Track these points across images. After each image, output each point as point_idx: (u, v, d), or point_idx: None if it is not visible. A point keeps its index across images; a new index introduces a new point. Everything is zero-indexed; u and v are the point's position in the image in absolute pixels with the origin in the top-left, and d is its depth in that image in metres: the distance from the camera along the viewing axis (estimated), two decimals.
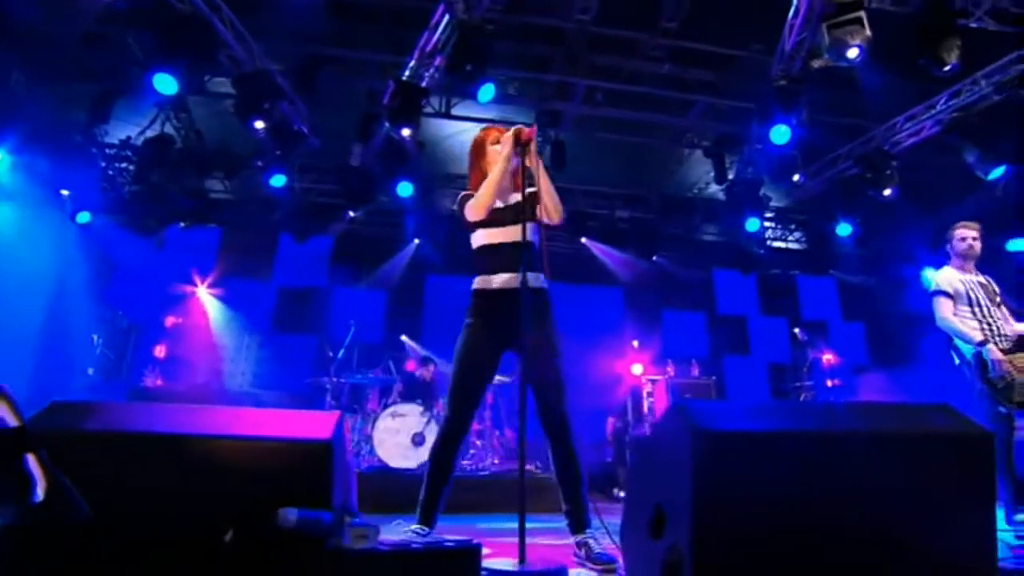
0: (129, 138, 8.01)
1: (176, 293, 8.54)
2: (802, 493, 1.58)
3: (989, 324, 3.72)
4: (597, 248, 9.07)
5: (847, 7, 4.64)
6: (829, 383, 7.88)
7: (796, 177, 6.71)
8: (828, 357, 8.14)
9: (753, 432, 1.61)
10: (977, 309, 3.76)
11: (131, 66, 6.76)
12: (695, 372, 7.09)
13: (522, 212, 2.57)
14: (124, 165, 8.12)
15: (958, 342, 3.74)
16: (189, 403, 4.41)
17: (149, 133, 7.72)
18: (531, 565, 2.05)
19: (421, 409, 5.87)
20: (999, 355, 3.53)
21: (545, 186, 2.53)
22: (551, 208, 2.57)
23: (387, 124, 6.09)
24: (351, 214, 7.65)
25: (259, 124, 5.71)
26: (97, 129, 7.60)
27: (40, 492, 1.03)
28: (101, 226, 7.97)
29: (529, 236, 2.61)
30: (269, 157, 6.65)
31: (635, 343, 8.22)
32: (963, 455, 1.72)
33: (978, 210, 7.17)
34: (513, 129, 2.56)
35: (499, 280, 2.61)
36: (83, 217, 7.71)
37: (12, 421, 1.07)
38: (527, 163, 2.53)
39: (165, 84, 5.67)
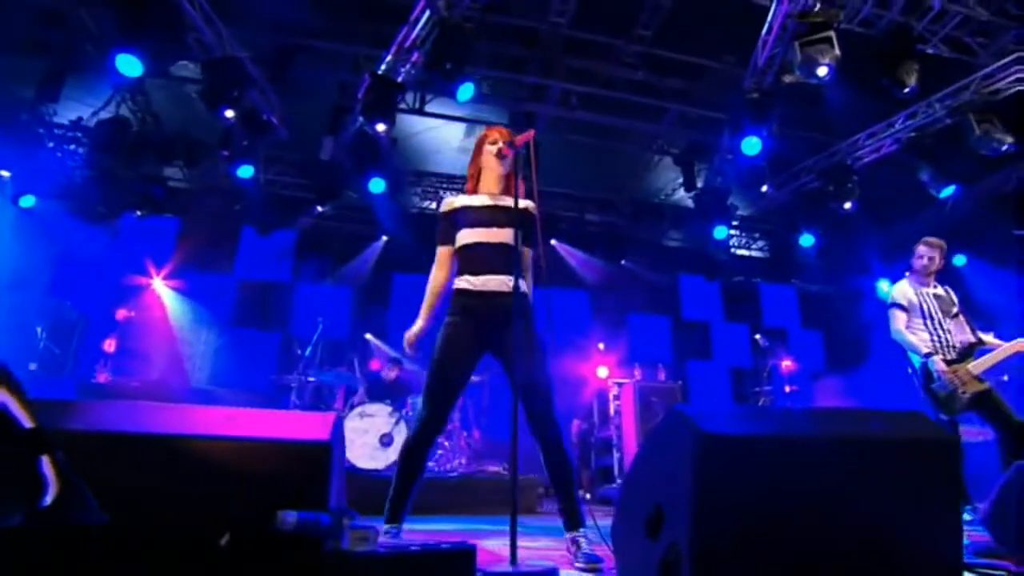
0: (80, 119, 7.65)
1: (129, 285, 8.21)
2: (795, 495, 1.66)
3: (940, 336, 3.94)
4: (565, 251, 9.18)
5: (818, 27, 4.85)
6: (787, 388, 8.17)
7: (764, 188, 6.96)
8: (787, 363, 8.46)
9: (751, 436, 1.68)
10: (929, 321, 3.98)
11: (85, 43, 6.48)
12: (662, 376, 7.25)
13: (515, 216, 2.61)
14: (74, 147, 7.76)
15: (909, 353, 3.97)
16: (145, 400, 4.27)
17: (103, 115, 7.40)
18: (523, 565, 2.08)
19: (390, 410, 5.82)
20: (943, 367, 3.75)
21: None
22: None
23: (361, 118, 6.01)
24: (319, 209, 7.52)
25: (229, 113, 5.56)
26: (45, 108, 7.24)
27: (50, 496, 1.00)
28: (48, 211, 7.59)
29: (507, 239, 2.67)
30: (236, 147, 6.48)
31: (600, 346, 8.36)
32: (936, 459, 1.84)
33: (929, 226, 7.62)
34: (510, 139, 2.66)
35: (484, 282, 2.61)
36: (27, 201, 7.33)
37: (27, 422, 1.04)
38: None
39: (129, 66, 5.45)
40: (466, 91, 5.52)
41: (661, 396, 6.65)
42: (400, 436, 5.83)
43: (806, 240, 7.70)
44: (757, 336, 9.10)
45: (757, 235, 9.54)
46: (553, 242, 9.00)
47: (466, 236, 2.70)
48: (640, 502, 1.87)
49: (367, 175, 6.82)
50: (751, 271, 9.51)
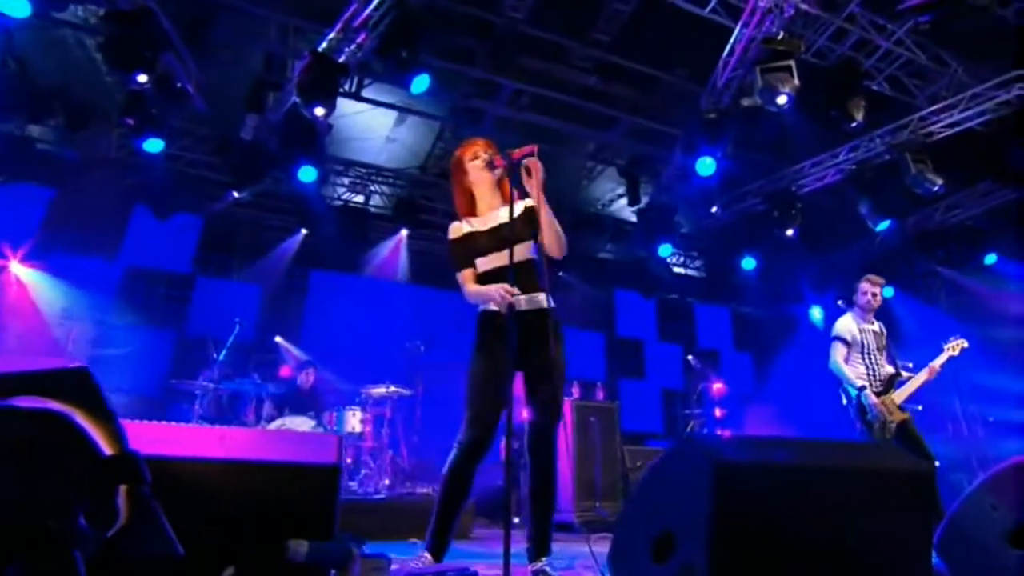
0: None
1: None
2: (799, 518, 1.89)
3: (874, 370, 4.54)
4: None
5: (781, 55, 5.33)
6: (718, 412, 8.73)
7: (714, 209, 7.47)
8: (718, 386, 9.03)
9: (762, 464, 1.90)
10: (867, 356, 4.58)
11: None
12: (600, 395, 7.55)
13: (509, 235, 2.66)
14: None
15: (845, 385, 4.51)
16: None
17: None
18: None
19: (313, 423, 5.71)
20: (874, 400, 4.35)
21: (546, 220, 2.64)
22: (551, 243, 2.66)
23: (296, 99, 5.87)
24: (234, 194, 7.20)
25: (142, 78, 5.24)
26: None
27: (114, 528, 0.99)
28: None
29: (524, 255, 2.72)
30: (145, 116, 6.10)
31: None
32: (917, 487, 2.15)
33: (862, 257, 8.50)
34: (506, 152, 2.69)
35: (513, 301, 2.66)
36: None
37: (107, 447, 1.02)
38: (528, 186, 2.65)
39: (12, 4, 5.01)
40: (421, 83, 5.56)
41: (599, 415, 6.92)
42: None
43: (748, 263, 8.33)
44: (689, 357, 9.67)
45: (695, 254, 10.16)
46: None
47: (482, 264, 2.78)
48: (646, 527, 2.03)
49: (297, 161, 6.64)
50: (687, 290, 10.10)
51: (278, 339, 8.06)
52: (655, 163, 8.35)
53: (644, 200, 8.38)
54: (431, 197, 9.13)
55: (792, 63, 5.35)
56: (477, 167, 2.82)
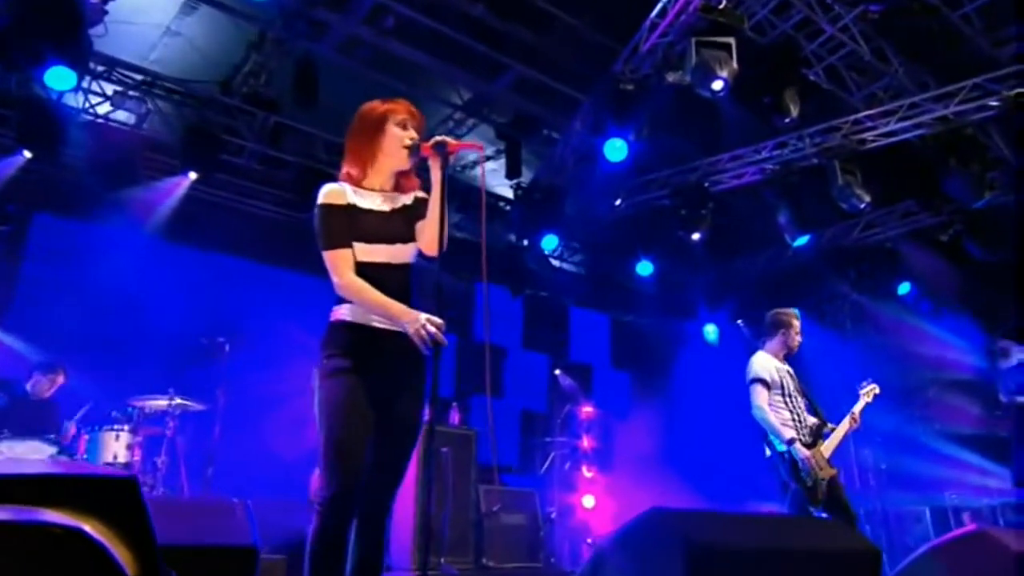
0: None
1: None
2: None
3: (797, 415, 5.18)
4: None
5: (721, 28, 5.88)
6: (586, 442, 9.29)
7: (618, 202, 7.98)
8: (588, 409, 9.59)
9: (737, 547, 2.25)
10: (789, 399, 5.22)
11: None
12: (455, 419, 7.78)
13: (405, 227, 2.85)
14: None
15: (770, 436, 5.11)
16: None
17: None
18: None
19: (52, 450, 5.30)
20: (806, 453, 4.92)
21: (438, 211, 2.76)
22: (434, 238, 2.80)
23: None
24: None
25: None
26: None
27: None
28: None
29: (410, 258, 2.90)
30: None
31: None
32: (866, 568, 2.65)
33: (769, 271, 9.56)
34: (437, 139, 2.78)
35: (381, 317, 2.70)
36: None
37: (131, 569, 1.01)
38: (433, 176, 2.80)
39: None
40: None
41: (453, 445, 7.13)
42: None
43: (644, 268, 9.00)
44: (557, 371, 10.20)
45: (577, 245, 10.70)
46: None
47: (363, 252, 2.75)
48: None
49: (42, 56, 6.04)
50: (562, 289, 10.62)
51: None
52: (544, 128, 8.70)
53: (526, 175, 8.72)
54: (237, 130, 8.71)
55: (732, 41, 5.91)
56: (400, 139, 2.85)
